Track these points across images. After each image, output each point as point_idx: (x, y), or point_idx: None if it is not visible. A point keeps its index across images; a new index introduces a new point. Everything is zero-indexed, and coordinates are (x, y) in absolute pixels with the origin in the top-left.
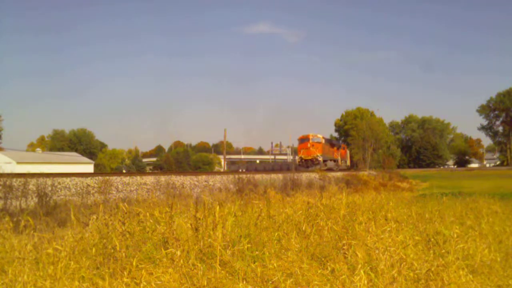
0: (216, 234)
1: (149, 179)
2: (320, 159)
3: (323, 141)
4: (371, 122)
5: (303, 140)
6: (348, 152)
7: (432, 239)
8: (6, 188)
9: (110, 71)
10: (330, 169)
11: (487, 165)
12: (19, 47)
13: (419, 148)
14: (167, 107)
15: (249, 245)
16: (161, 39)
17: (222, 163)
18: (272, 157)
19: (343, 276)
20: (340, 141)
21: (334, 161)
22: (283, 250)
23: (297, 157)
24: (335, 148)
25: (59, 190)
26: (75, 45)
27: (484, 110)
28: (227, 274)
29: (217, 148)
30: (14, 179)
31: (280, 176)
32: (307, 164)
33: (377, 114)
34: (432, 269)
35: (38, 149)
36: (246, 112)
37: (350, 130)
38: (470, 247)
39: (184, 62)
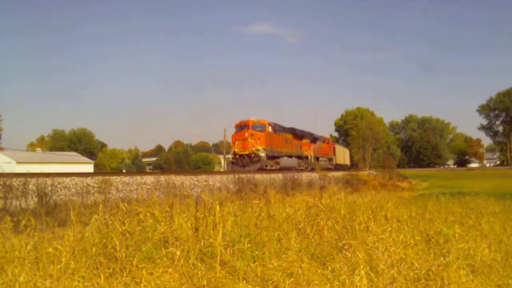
0: (216, 234)
1: (149, 179)
2: (262, 154)
3: (269, 129)
4: (371, 121)
5: (241, 127)
6: (336, 148)
7: (433, 239)
8: (6, 188)
9: (110, 71)
10: (287, 168)
11: (487, 165)
12: (19, 47)
13: (419, 148)
14: (167, 107)
15: (249, 245)
16: (161, 39)
17: (222, 163)
18: None
19: (343, 276)
20: (325, 135)
21: (299, 158)
22: (283, 250)
23: (230, 153)
24: (304, 140)
25: (59, 190)
26: (75, 45)
27: (484, 110)
28: (227, 274)
29: (217, 148)
30: (14, 179)
31: (280, 176)
32: (243, 161)
33: (377, 114)
34: (433, 268)
35: (38, 149)
36: (246, 112)
37: (350, 130)
38: (470, 247)
39: (184, 62)
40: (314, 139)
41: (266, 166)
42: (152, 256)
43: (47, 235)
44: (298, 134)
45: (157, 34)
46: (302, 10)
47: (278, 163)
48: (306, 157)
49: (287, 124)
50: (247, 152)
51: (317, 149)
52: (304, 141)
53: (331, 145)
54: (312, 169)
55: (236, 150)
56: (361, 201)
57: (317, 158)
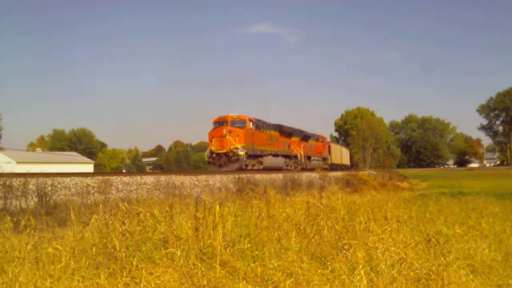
0: (216, 234)
1: (149, 179)
2: (241, 153)
3: (250, 125)
4: (371, 121)
5: (220, 123)
6: (332, 147)
7: (433, 239)
8: (6, 188)
9: (110, 71)
10: (272, 168)
11: (487, 165)
12: (19, 47)
13: (419, 148)
14: (167, 107)
15: (249, 245)
16: (161, 39)
17: None
18: None
19: (343, 276)
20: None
21: (287, 157)
22: (283, 250)
23: (206, 151)
24: (293, 138)
25: (59, 190)
26: (74, 45)
27: (484, 109)
28: (227, 274)
29: None
30: (14, 179)
31: (280, 176)
32: (220, 161)
33: (377, 114)
34: (433, 269)
35: (38, 149)
36: (246, 112)
37: (350, 130)
38: (470, 247)
39: (184, 62)
40: (305, 137)
41: (246, 165)
42: (152, 256)
43: (47, 235)
44: (286, 132)
45: (157, 34)
46: (302, 10)
47: (261, 163)
48: (295, 156)
49: (288, 123)
50: (224, 151)
51: (308, 147)
52: (294, 139)
53: (326, 144)
54: (303, 169)
55: (213, 148)
56: (361, 201)
57: (308, 157)
